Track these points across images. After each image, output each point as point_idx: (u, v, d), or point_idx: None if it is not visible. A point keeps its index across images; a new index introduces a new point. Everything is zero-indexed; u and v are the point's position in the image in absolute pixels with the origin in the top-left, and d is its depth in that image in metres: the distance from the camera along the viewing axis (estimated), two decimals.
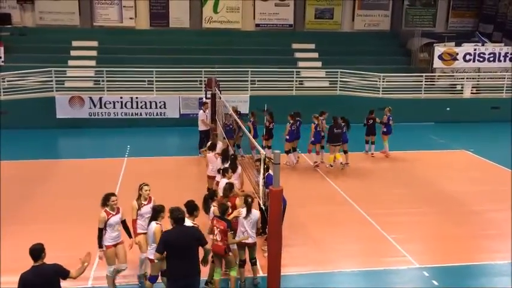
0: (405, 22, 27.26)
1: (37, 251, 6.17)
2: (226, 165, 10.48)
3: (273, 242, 7.83)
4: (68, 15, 24.32)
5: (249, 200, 8.44)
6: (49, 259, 9.24)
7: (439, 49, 23.78)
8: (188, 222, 7.40)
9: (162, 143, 19.04)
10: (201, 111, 16.52)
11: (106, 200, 8.13)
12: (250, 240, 8.37)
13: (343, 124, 15.25)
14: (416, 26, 26.72)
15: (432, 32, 26.79)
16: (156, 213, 7.87)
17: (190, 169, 15.15)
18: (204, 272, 7.75)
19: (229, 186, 9.09)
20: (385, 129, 16.91)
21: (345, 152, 15.57)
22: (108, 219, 8.09)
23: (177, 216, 6.90)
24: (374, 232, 10.93)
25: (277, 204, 7.60)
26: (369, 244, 10.41)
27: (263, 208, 8.72)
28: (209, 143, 12.72)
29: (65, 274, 6.31)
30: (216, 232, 8.02)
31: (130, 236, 8.49)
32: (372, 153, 16.90)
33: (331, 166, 15.35)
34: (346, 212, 12.07)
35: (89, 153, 17.05)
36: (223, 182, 9.58)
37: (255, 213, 8.40)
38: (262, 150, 8.90)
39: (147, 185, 8.65)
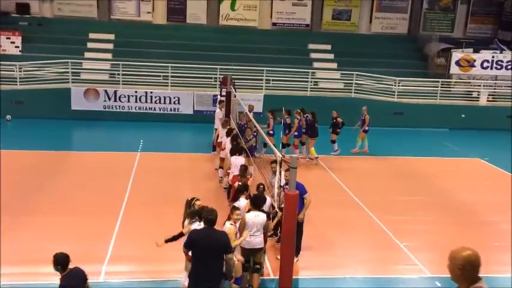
0: (423, 26, 27.04)
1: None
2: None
3: (286, 246, 7.79)
4: (85, 7, 24.44)
5: (261, 186, 8.94)
6: (60, 251, 9.34)
7: (456, 55, 23.60)
8: (260, 214, 8.00)
9: (175, 138, 19.08)
10: (218, 109, 16.51)
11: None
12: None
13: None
14: (434, 30, 26.49)
15: (450, 37, 26.58)
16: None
17: (203, 166, 15.15)
18: None
19: (245, 168, 10.19)
20: (367, 128, 17.16)
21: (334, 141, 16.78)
22: None
23: (206, 217, 6.78)
24: (386, 239, 10.85)
25: (292, 208, 7.56)
26: (381, 251, 10.35)
27: (277, 211, 8.69)
28: (226, 129, 13.65)
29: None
30: None
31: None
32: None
33: (314, 159, 16.01)
34: (359, 217, 12.00)
35: (102, 146, 17.11)
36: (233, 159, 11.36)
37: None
38: (278, 153, 8.87)
39: (198, 199, 8.00)
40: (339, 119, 16.84)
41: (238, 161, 11.32)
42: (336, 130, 16.94)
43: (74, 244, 9.66)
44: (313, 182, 13.08)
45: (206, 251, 6.61)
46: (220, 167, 13.60)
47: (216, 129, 16.26)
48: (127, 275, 8.85)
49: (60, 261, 6.16)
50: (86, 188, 12.81)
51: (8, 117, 19.49)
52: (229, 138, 12.91)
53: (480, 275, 3.83)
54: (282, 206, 8.20)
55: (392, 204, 12.97)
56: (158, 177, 13.87)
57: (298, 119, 16.06)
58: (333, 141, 17.08)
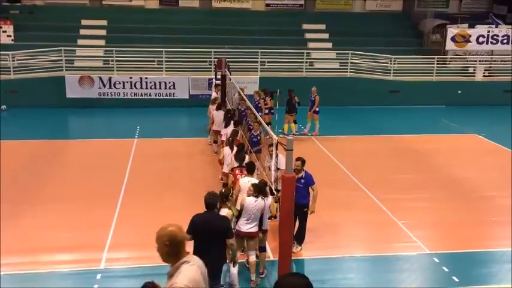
0: (417, 3, 26.87)
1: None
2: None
3: (284, 228, 7.83)
4: None
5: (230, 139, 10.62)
6: (62, 239, 9.41)
7: (452, 31, 23.44)
8: (253, 179, 8.58)
9: (172, 124, 19.03)
10: (214, 93, 16.47)
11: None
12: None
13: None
14: (428, 6, 26.29)
15: (445, 13, 26.39)
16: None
17: (200, 150, 15.15)
18: None
19: (236, 132, 11.27)
20: (317, 109, 16.72)
21: (295, 122, 16.57)
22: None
23: (206, 201, 6.89)
24: (385, 217, 10.91)
25: (289, 191, 7.57)
26: (380, 229, 10.41)
27: (275, 193, 8.72)
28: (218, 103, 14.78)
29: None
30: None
31: None
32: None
33: (287, 135, 15.72)
34: (357, 196, 12.05)
35: (99, 133, 17.07)
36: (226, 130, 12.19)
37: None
38: (274, 135, 8.85)
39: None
40: (317, 97, 16.68)
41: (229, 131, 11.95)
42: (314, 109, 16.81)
43: (73, 232, 9.74)
44: (309, 161, 13.13)
45: (206, 235, 6.66)
46: (215, 141, 14.64)
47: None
48: (128, 262, 8.90)
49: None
50: (84, 176, 12.81)
51: (3, 107, 19.41)
52: (220, 112, 13.80)
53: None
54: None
55: (390, 182, 13.01)
56: (156, 163, 13.88)
57: (256, 99, 15.88)
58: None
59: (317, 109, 16.77)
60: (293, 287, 2.88)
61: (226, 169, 10.81)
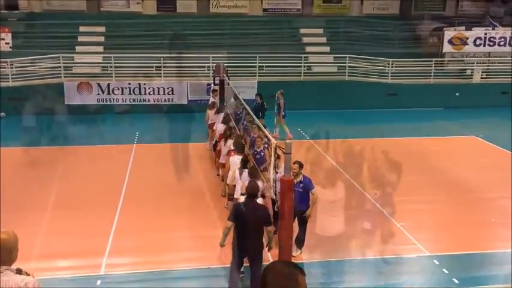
0: (415, 6, 26.88)
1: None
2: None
3: (284, 231, 7.83)
4: (74, 1, 24.17)
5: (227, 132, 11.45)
6: (62, 246, 9.40)
7: (449, 33, 23.52)
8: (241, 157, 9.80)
9: (171, 129, 19.00)
10: (212, 98, 16.49)
11: None
12: None
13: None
14: (426, 9, 26.35)
15: (442, 15, 26.44)
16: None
17: (199, 155, 15.16)
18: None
19: (229, 128, 12.00)
20: (283, 113, 16.70)
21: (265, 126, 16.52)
22: None
23: (248, 191, 7.32)
24: (384, 220, 10.91)
25: (288, 194, 7.58)
26: (379, 232, 10.41)
27: (274, 198, 8.72)
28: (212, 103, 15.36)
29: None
30: None
31: None
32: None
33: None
34: (355, 198, 12.05)
35: (98, 139, 17.04)
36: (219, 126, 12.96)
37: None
38: (273, 139, 8.86)
39: None
40: (282, 101, 16.62)
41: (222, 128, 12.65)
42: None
43: (73, 238, 9.73)
44: (308, 165, 13.14)
45: (248, 223, 7.04)
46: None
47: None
48: (127, 267, 8.90)
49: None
50: (83, 182, 12.80)
51: (2, 114, 19.41)
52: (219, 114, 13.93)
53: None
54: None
55: (390, 185, 12.98)
56: (155, 169, 13.88)
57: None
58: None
59: (283, 113, 16.71)
60: (277, 274, 2.84)
61: (222, 159, 11.69)
